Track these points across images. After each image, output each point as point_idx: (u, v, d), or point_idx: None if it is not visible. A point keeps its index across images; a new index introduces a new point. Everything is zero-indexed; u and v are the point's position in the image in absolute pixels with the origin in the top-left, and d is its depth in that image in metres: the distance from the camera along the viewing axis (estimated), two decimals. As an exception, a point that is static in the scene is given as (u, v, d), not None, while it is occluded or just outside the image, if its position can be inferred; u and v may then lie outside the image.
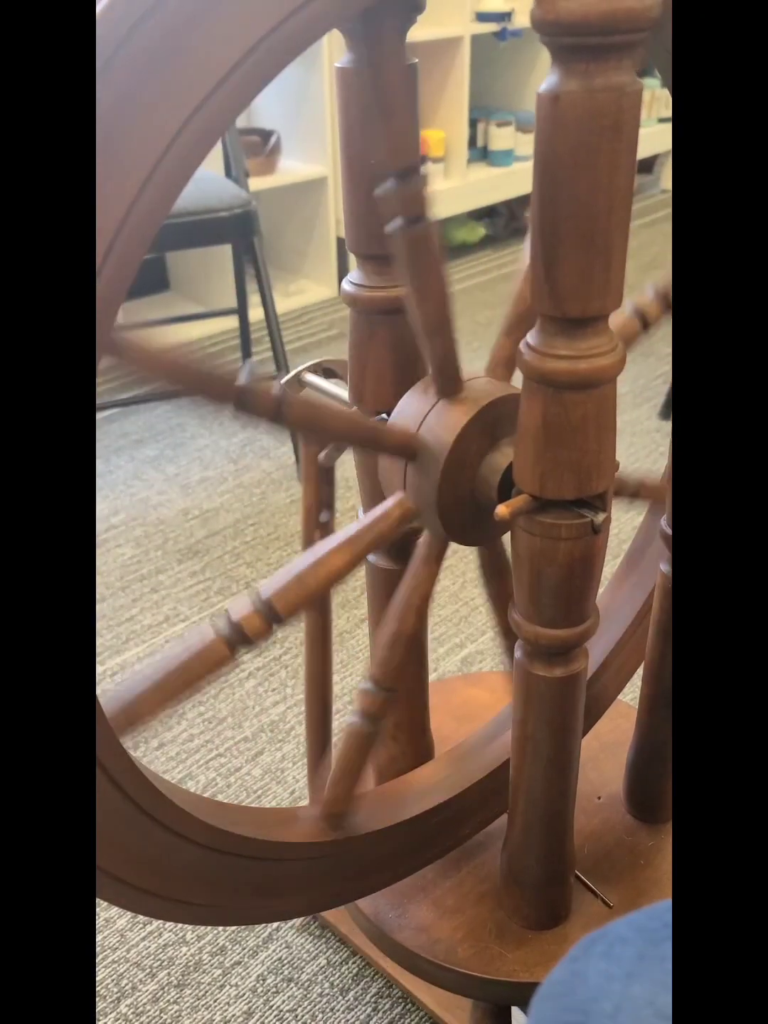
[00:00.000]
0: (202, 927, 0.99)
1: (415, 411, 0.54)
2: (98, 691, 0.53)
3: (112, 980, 0.94)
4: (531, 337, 0.48)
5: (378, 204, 0.46)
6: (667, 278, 0.59)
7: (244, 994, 0.92)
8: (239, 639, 0.50)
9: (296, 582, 0.51)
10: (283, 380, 0.68)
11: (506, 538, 0.59)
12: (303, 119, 2.38)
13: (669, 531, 0.69)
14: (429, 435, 0.53)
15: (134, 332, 0.41)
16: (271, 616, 0.51)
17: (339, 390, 0.65)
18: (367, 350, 0.59)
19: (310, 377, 0.68)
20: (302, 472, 0.73)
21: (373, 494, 0.66)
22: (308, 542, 0.73)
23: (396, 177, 0.45)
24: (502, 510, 0.50)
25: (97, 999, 0.92)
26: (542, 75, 2.78)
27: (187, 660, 0.50)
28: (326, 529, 0.72)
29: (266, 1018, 0.90)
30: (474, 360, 0.52)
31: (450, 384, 0.53)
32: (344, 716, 1.22)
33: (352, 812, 0.65)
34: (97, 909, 0.99)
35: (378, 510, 0.55)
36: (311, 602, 0.52)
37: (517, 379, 0.56)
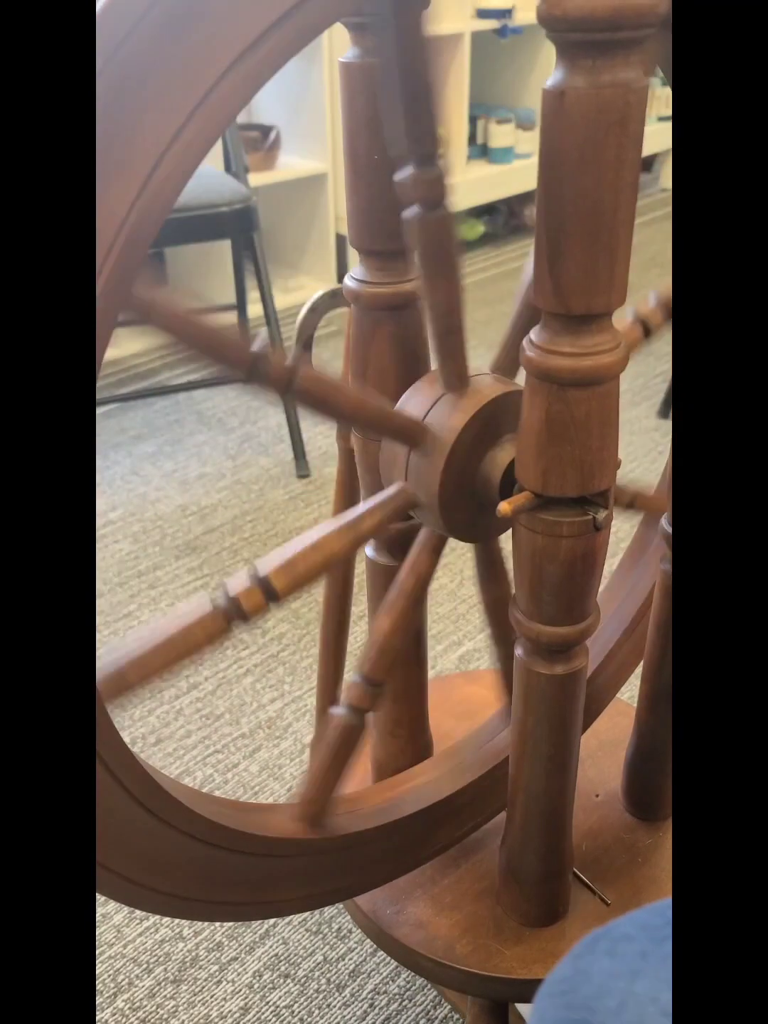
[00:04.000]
0: (199, 923, 0.99)
1: (421, 402, 0.54)
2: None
3: (109, 975, 0.94)
4: (534, 334, 0.48)
5: (397, 190, 0.46)
6: (668, 285, 0.59)
7: (241, 990, 0.93)
8: (236, 613, 0.50)
9: (293, 562, 0.51)
10: (306, 306, 0.68)
11: (506, 537, 0.59)
12: (303, 115, 2.37)
13: (669, 529, 0.69)
14: (435, 423, 0.53)
15: (156, 290, 0.41)
16: (268, 593, 0.50)
17: (340, 382, 0.65)
18: (369, 347, 0.59)
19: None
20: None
21: (373, 489, 0.66)
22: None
23: (416, 163, 0.45)
24: (504, 507, 0.50)
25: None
26: (543, 72, 2.79)
27: (183, 629, 0.49)
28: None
29: (263, 1014, 0.90)
30: (473, 357, 0.52)
31: (457, 378, 0.53)
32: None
33: (332, 811, 0.64)
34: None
35: (379, 496, 0.55)
36: (306, 582, 0.52)
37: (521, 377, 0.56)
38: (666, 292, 0.61)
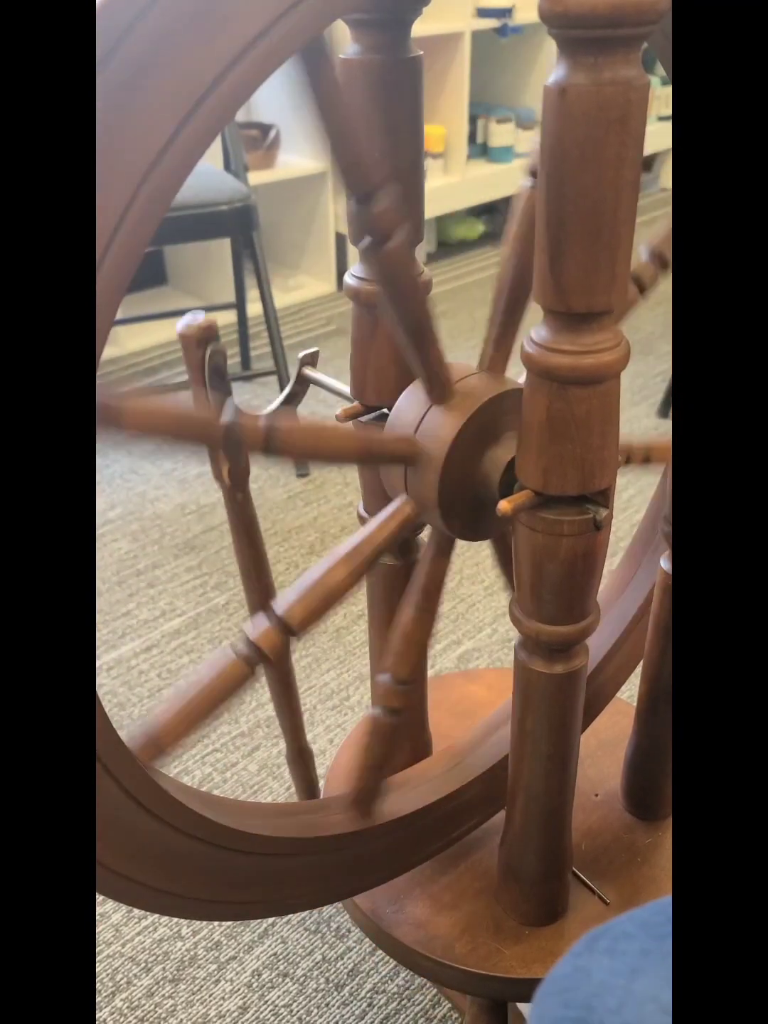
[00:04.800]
0: (198, 922, 0.99)
1: (412, 414, 0.54)
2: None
3: (107, 974, 0.94)
4: (535, 332, 0.48)
5: (348, 225, 0.46)
6: (659, 233, 0.58)
7: (239, 989, 0.92)
8: (257, 657, 0.52)
9: (307, 597, 0.53)
10: (290, 387, 0.67)
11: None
12: (303, 113, 2.37)
13: (669, 528, 0.69)
14: (425, 440, 0.53)
15: (111, 397, 0.41)
16: (286, 631, 0.52)
17: (339, 384, 0.65)
18: (369, 344, 0.59)
19: (310, 372, 0.68)
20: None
21: (373, 488, 0.66)
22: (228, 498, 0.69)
23: (356, 200, 0.45)
24: (504, 506, 0.50)
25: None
26: (543, 72, 2.78)
27: (209, 682, 0.51)
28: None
29: (261, 1013, 0.90)
30: (473, 356, 0.52)
31: (441, 390, 0.53)
32: (342, 713, 1.22)
33: (336, 809, 0.65)
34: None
35: (382, 515, 0.56)
36: (324, 614, 0.54)
37: (510, 372, 0.56)
38: (658, 242, 0.59)
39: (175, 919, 0.99)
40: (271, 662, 0.52)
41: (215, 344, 0.59)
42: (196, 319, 0.58)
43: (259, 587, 0.76)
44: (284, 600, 0.53)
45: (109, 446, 0.43)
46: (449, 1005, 0.91)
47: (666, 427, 1.88)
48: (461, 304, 2.45)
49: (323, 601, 0.53)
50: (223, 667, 0.51)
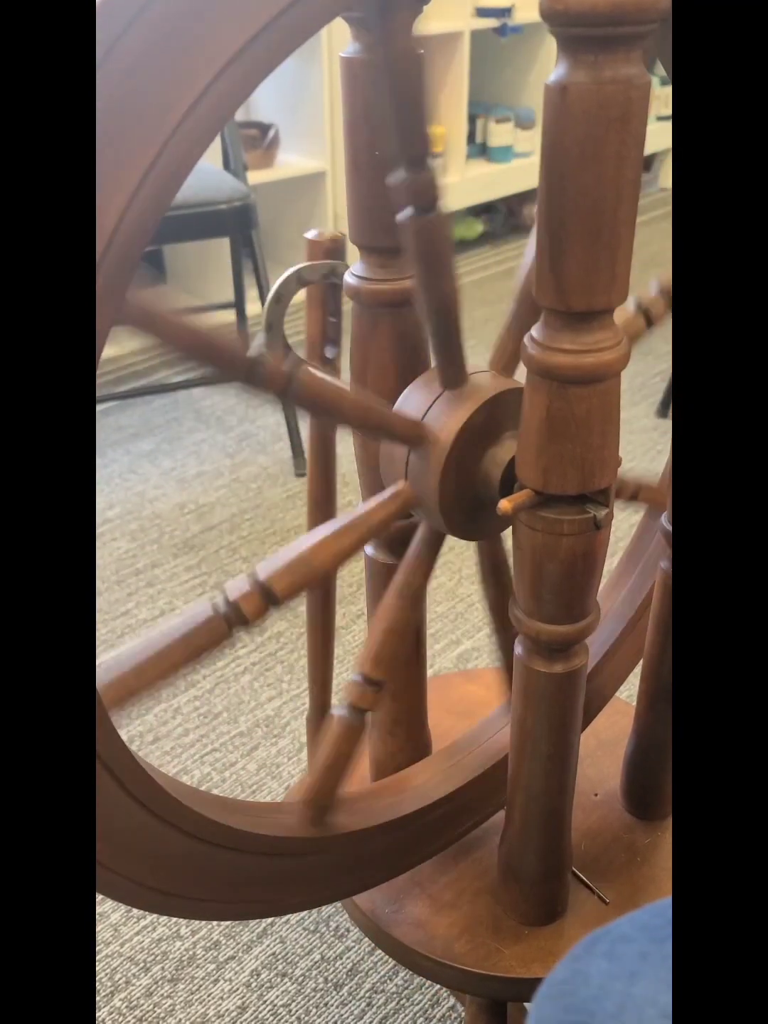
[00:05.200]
0: (196, 922, 0.99)
1: (420, 401, 0.54)
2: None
3: (106, 974, 0.94)
4: (535, 331, 0.48)
5: (390, 194, 0.46)
6: (670, 274, 0.59)
7: (238, 989, 0.92)
8: (237, 619, 0.50)
9: (293, 566, 0.51)
10: (270, 295, 0.66)
11: (506, 535, 0.59)
12: (302, 113, 2.37)
13: (669, 528, 0.69)
14: (434, 424, 0.53)
15: (147, 297, 0.41)
16: (268, 598, 0.51)
17: (339, 384, 0.65)
18: (369, 343, 0.59)
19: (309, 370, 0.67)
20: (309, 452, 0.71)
21: (372, 488, 0.65)
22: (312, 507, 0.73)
23: (407, 166, 0.45)
24: (505, 505, 0.49)
25: (91, 993, 0.92)
26: (542, 71, 2.78)
27: (184, 636, 0.49)
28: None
29: (260, 1013, 0.90)
30: (472, 355, 0.52)
31: (455, 376, 0.53)
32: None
33: (335, 809, 0.64)
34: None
35: (378, 497, 0.55)
36: (307, 586, 0.52)
37: (520, 374, 0.56)
38: (668, 280, 0.61)
39: (174, 919, 0.99)
40: (249, 625, 0.50)
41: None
42: (325, 231, 0.62)
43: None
44: (269, 565, 0.51)
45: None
46: (448, 1005, 0.91)
47: (665, 427, 1.88)
48: (460, 304, 2.45)
49: (307, 575, 0.51)
50: (201, 622, 0.49)
